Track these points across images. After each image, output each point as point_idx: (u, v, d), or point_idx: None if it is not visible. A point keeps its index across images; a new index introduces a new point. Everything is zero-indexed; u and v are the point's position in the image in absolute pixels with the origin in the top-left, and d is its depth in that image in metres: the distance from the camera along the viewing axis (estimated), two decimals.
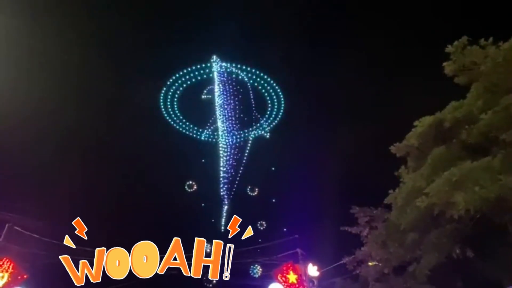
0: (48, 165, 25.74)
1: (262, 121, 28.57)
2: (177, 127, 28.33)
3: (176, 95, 27.22)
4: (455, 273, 15.69)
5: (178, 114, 28.12)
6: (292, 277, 20.40)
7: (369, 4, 28.20)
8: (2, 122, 21.86)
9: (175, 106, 27.74)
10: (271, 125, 28.58)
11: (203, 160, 29.78)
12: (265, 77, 27.10)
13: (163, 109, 27.59)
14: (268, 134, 28.51)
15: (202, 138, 28.96)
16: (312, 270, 21.16)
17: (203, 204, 29.82)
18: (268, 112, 28.58)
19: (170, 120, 28.03)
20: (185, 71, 26.37)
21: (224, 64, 27.14)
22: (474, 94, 13.98)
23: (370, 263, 19.75)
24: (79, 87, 26.97)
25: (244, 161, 29.14)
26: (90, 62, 25.49)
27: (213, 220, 29.42)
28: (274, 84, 27.26)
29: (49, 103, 24.92)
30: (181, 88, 26.79)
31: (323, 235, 24.95)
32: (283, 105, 27.96)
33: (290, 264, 20.95)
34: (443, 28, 23.94)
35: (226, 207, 29.61)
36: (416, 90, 24.08)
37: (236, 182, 29.16)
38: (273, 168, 29.98)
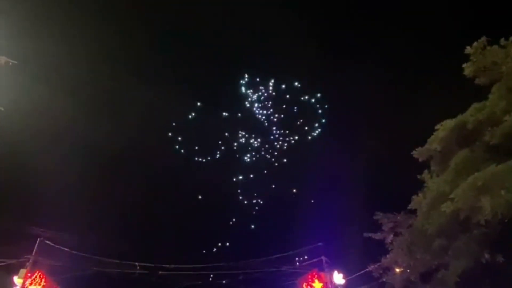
0: (77, 182, 26.71)
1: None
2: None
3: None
4: (485, 278, 15.25)
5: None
6: (318, 286, 20.26)
7: (384, 12, 28.12)
8: (35, 141, 23.24)
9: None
10: (312, 135, 28.24)
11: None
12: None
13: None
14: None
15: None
16: (338, 278, 20.90)
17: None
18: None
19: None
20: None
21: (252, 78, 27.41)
22: (496, 95, 13.68)
23: (397, 270, 19.39)
24: (109, 107, 28.21)
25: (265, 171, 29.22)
26: (122, 83, 26.64)
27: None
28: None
29: (80, 123, 26.18)
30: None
31: (347, 242, 24.74)
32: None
33: (315, 272, 20.81)
34: (459, 30, 23.61)
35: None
36: (435, 93, 23.75)
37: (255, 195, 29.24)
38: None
